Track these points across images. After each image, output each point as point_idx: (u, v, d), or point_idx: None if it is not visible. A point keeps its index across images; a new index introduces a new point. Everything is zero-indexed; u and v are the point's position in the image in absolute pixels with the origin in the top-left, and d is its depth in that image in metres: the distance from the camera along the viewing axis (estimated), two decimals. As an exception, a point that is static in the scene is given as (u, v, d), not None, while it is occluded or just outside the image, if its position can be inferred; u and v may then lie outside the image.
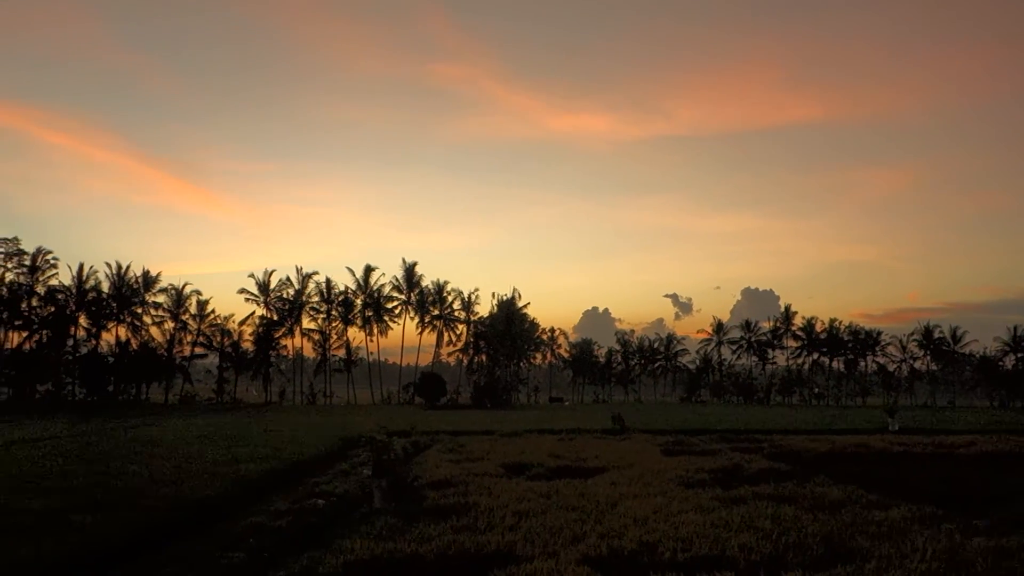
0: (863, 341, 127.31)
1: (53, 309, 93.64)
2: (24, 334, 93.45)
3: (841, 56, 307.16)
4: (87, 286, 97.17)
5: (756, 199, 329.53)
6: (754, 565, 10.45)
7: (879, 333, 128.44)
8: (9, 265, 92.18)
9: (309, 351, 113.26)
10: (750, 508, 14.48)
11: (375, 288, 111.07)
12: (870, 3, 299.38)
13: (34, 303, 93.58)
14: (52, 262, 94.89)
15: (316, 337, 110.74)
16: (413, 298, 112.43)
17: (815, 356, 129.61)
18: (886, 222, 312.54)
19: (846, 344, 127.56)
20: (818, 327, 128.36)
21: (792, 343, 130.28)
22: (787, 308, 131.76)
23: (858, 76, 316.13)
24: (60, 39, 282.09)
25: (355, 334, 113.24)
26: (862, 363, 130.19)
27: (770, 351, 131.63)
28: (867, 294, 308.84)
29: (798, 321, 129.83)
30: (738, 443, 32.29)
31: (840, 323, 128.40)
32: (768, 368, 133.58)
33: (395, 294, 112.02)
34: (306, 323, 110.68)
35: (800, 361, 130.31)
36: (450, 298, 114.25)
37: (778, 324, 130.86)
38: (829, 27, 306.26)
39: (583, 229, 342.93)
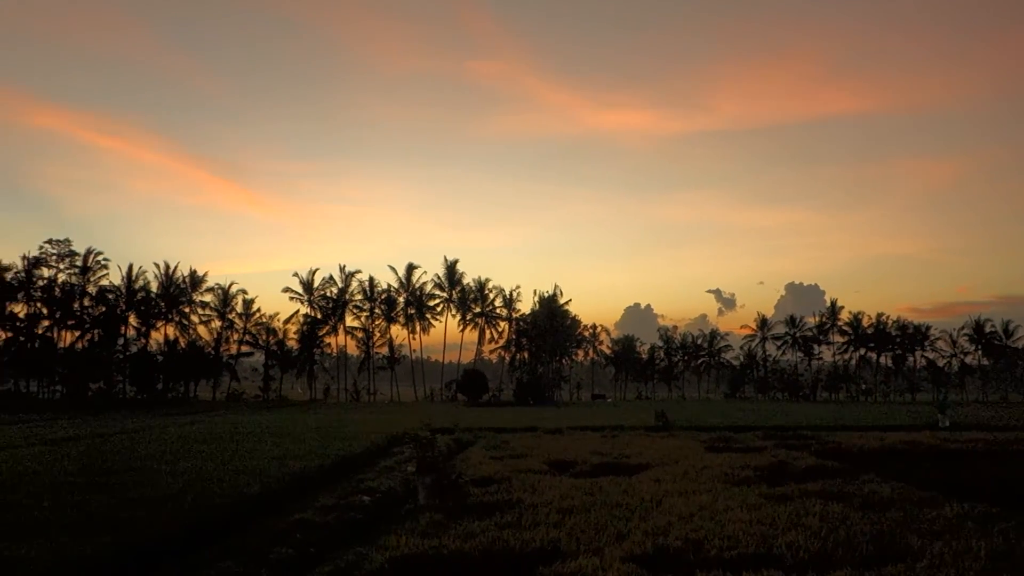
0: (911, 336, 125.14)
1: (104, 309, 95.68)
2: (77, 333, 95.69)
3: (883, 47, 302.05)
4: (136, 286, 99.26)
5: (799, 193, 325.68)
6: (802, 563, 10.31)
7: (928, 328, 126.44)
8: (61, 266, 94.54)
9: (353, 349, 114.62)
10: (797, 505, 14.30)
11: (417, 286, 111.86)
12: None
13: (86, 303, 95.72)
14: (103, 263, 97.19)
15: (359, 335, 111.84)
16: (455, 296, 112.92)
17: (862, 351, 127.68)
18: (933, 214, 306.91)
19: (894, 339, 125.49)
20: (865, 322, 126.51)
21: (838, 338, 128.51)
22: (833, 303, 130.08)
23: (901, 67, 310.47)
24: (108, 43, 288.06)
25: (398, 332, 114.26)
26: (911, 358, 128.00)
27: (816, 347, 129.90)
28: (915, 288, 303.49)
29: (844, 316, 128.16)
30: (784, 440, 31.89)
31: (887, 318, 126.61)
32: (814, 364, 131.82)
33: (437, 292, 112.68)
34: (350, 321, 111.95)
35: (847, 357, 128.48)
36: (492, 295, 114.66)
37: (824, 319, 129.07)
38: (870, 17, 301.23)
39: (624, 225, 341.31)
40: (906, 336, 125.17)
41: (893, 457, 25.15)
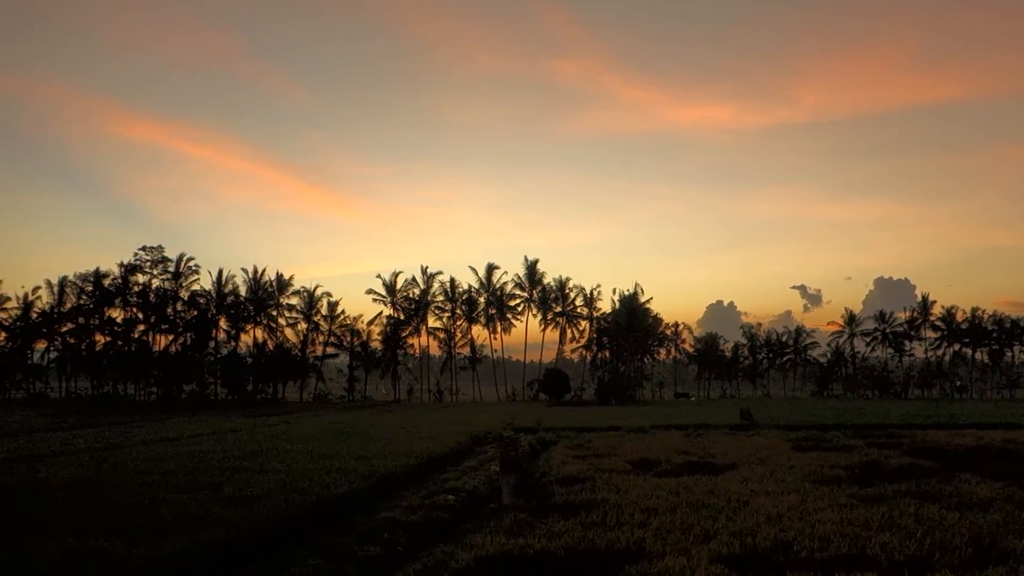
0: (1009, 331, 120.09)
1: (196, 313, 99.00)
2: (171, 337, 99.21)
3: (975, 29, 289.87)
4: (226, 290, 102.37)
5: (886, 185, 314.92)
6: (897, 565, 10.04)
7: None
8: (155, 272, 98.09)
9: (435, 349, 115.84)
10: (890, 506, 13.92)
11: (498, 286, 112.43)
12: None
13: (179, 307, 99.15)
14: (194, 268, 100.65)
15: (441, 336, 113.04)
16: (535, 295, 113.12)
17: (956, 347, 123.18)
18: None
19: (990, 334, 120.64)
20: (959, 316, 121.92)
21: (931, 334, 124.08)
22: (925, 297, 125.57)
23: (995, 49, 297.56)
24: (195, 53, 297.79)
25: (479, 332, 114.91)
26: (1008, 354, 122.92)
27: (907, 343, 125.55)
28: (1013, 281, 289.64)
29: (936, 311, 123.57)
30: (875, 439, 31.01)
31: (983, 312, 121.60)
32: (905, 361, 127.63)
33: (518, 292, 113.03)
34: (432, 322, 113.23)
35: (940, 353, 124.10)
36: (572, 295, 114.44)
37: (915, 314, 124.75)
38: (957, 1, 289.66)
39: (706, 221, 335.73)
40: (1003, 331, 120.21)
41: (992, 456, 24.24)
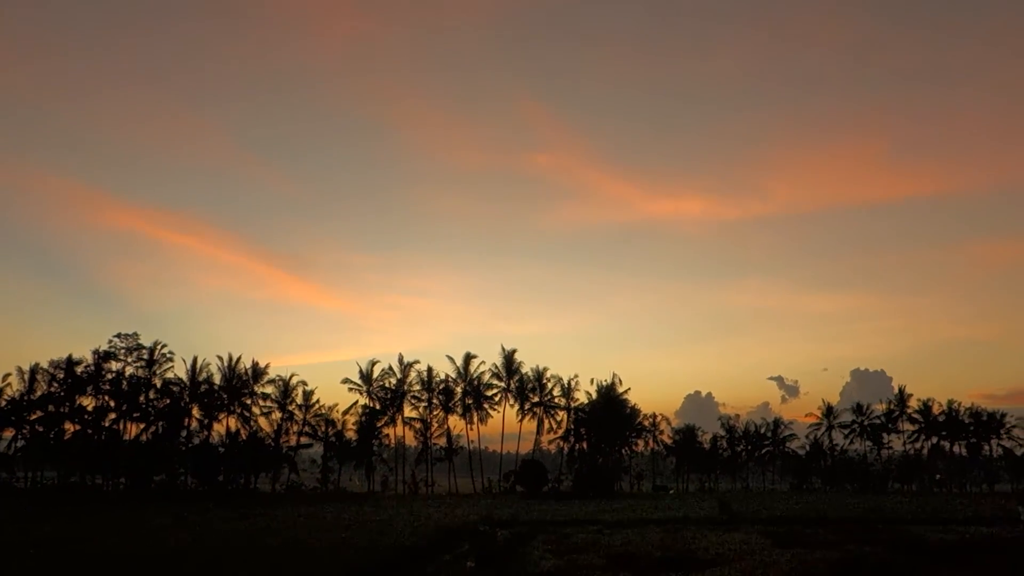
0: (986, 423, 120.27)
1: (169, 401, 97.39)
2: (142, 425, 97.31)
3: (944, 129, 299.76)
4: (200, 378, 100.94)
5: (860, 277, 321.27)
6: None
7: (1003, 415, 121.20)
8: (129, 359, 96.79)
9: (411, 440, 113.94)
10: (875, 605, 13.65)
11: (475, 376, 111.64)
12: (975, 71, 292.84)
13: (151, 395, 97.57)
14: (168, 355, 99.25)
15: (417, 426, 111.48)
16: (512, 385, 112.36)
17: (934, 440, 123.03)
18: (1003, 297, 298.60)
19: (967, 427, 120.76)
20: (935, 409, 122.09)
21: (908, 426, 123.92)
22: (901, 390, 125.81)
23: (967, 146, 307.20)
24: (183, 145, 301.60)
25: (456, 422, 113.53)
26: (986, 447, 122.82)
27: (885, 435, 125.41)
28: (987, 373, 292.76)
29: (913, 403, 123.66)
30: (856, 534, 30.64)
31: (959, 404, 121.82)
32: (884, 453, 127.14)
33: (495, 381, 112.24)
34: (408, 412, 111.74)
35: (918, 446, 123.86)
36: (549, 385, 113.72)
37: (892, 406, 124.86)
38: (928, 102, 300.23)
39: (683, 312, 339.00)
40: (980, 424, 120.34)
41: (975, 552, 23.96)
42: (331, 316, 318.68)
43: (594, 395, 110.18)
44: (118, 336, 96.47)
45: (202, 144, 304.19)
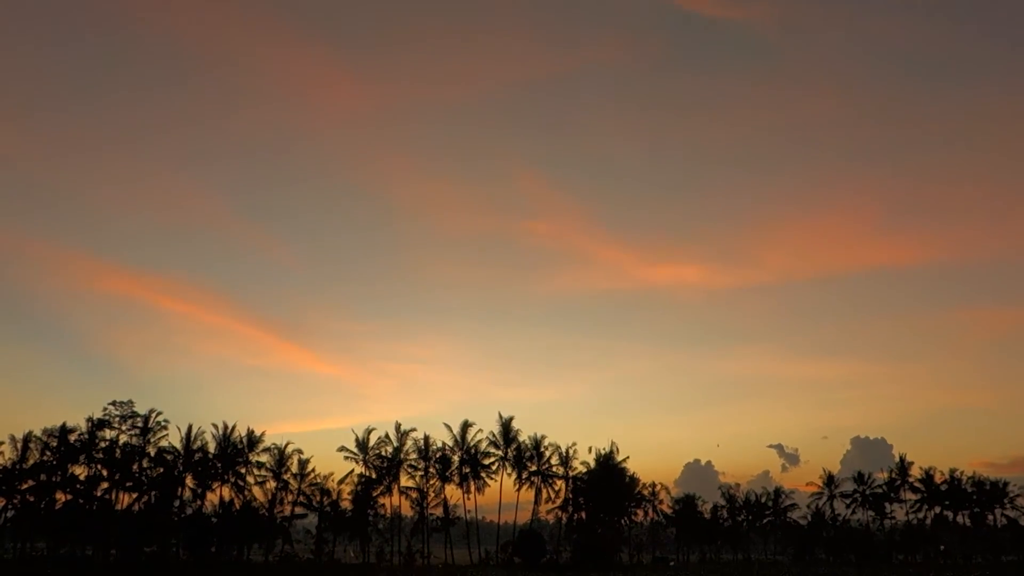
0: (989, 493, 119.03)
1: (162, 470, 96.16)
2: (134, 495, 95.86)
3: (938, 198, 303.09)
4: (195, 446, 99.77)
5: (857, 344, 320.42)
6: None
7: (1006, 484, 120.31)
8: (124, 427, 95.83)
9: (407, 509, 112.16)
10: None
11: (472, 444, 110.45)
12: (966, 142, 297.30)
13: (145, 464, 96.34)
14: (163, 424, 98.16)
15: (414, 495, 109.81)
16: (510, 454, 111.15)
17: (937, 510, 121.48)
18: (1003, 364, 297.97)
19: (970, 496, 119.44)
20: (937, 478, 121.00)
21: (910, 496, 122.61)
22: (902, 458, 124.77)
23: (957, 217, 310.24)
24: (179, 211, 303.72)
25: (452, 491, 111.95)
26: (990, 517, 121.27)
27: (887, 504, 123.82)
28: (988, 441, 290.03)
29: (915, 472, 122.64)
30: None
31: (962, 473, 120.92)
32: (886, 523, 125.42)
33: (492, 450, 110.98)
34: (404, 481, 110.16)
35: (921, 515, 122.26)
36: (548, 453, 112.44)
37: (893, 475, 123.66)
38: (921, 171, 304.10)
39: (680, 380, 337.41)
40: (983, 493, 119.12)
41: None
42: (327, 383, 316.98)
43: (592, 464, 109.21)
44: (113, 404, 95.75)
45: (198, 210, 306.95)
